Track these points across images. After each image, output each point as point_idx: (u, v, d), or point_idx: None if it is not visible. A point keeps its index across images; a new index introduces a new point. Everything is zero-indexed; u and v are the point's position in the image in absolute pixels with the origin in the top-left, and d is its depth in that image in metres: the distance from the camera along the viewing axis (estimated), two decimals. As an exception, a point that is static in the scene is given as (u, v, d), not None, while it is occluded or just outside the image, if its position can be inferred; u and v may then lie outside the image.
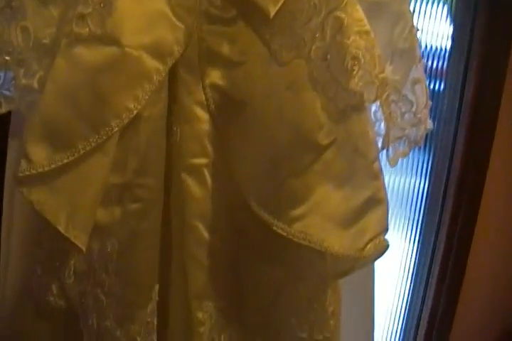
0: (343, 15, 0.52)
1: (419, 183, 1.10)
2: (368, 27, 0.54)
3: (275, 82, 0.54)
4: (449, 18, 1.09)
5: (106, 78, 0.52)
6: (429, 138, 1.07)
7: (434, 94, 1.09)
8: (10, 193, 0.62)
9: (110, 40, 0.52)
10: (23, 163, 0.52)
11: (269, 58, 0.54)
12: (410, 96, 0.60)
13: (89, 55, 0.52)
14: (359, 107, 0.54)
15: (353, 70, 0.52)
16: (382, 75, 0.54)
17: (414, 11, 1.07)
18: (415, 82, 0.60)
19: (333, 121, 0.54)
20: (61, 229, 0.53)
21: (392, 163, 0.60)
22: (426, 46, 1.08)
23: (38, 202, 0.53)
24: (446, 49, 1.09)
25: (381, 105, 0.57)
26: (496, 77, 1.04)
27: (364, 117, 0.57)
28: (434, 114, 1.10)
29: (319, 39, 0.53)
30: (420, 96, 0.60)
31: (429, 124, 0.62)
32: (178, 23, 0.54)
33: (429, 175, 1.09)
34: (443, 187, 1.06)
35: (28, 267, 0.61)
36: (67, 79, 0.52)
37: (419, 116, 0.60)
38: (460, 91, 1.07)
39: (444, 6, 1.10)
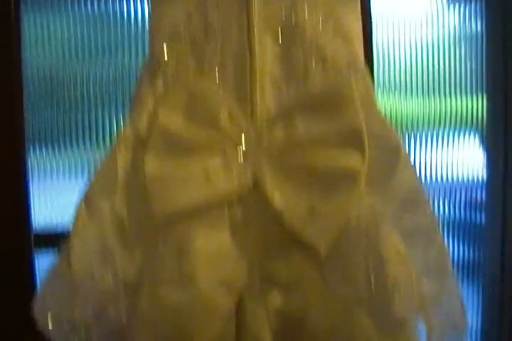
0: (384, 253, 0.67)
1: (472, 320, 1.23)
2: (405, 256, 0.68)
3: (329, 304, 0.69)
4: (481, 148, 1.25)
5: (185, 316, 0.68)
6: (476, 271, 1.20)
7: (476, 227, 1.23)
8: None
9: (187, 281, 0.69)
10: None
11: (323, 285, 0.69)
12: (446, 304, 0.72)
13: (169, 295, 0.69)
14: (403, 324, 0.69)
15: (395, 296, 0.66)
16: (420, 294, 0.69)
17: (448, 143, 1.24)
18: (450, 293, 0.73)
19: (382, 335, 0.69)
20: None
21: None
22: (463, 177, 1.24)
23: None
24: (483, 179, 1.24)
25: (421, 316, 0.72)
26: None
27: (408, 330, 0.72)
28: (478, 247, 1.23)
29: (364, 268, 0.68)
30: (455, 302, 0.73)
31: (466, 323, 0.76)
32: (242, 259, 0.70)
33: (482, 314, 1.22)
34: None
35: None
36: (151, 317, 0.68)
37: (456, 321, 0.73)
38: (502, 222, 1.20)
39: (475, 135, 1.26)
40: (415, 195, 0.71)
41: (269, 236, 0.70)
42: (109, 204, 0.70)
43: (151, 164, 0.67)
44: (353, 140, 0.66)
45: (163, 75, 0.70)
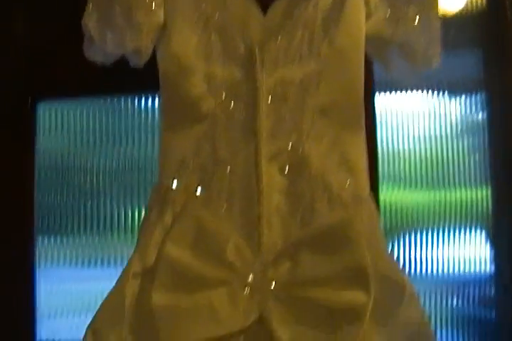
0: None
1: None
2: None
3: None
4: (488, 243, 1.25)
5: None
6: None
7: (487, 323, 1.22)
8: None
9: None
10: None
11: None
12: None
13: None
14: None
15: None
16: None
17: (454, 237, 1.25)
18: None
19: None
20: None
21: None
22: (470, 273, 1.24)
23: None
24: (491, 274, 1.24)
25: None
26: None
27: None
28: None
29: None
30: None
31: None
32: None
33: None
34: None
35: None
36: None
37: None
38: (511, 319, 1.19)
39: (481, 228, 1.27)
40: (420, 332, 0.72)
41: None
42: (116, 335, 0.71)
43: (158, 297, 0.69)
44: (358, 278, 0.68)
45: (172, 205, 0.73)
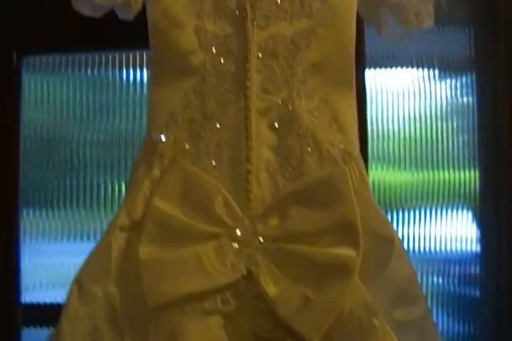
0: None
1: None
2: None
3: None
4: (475, 223, 1.26)
5: None
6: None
7: (471, 302, 1.23)
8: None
9: None
10: None
11: None
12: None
13: None
14: None
15: None
16: None
17: (441, 216, 1.26)
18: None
19: None
20: None
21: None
22: (456, 251, 1.25)
23: None
24: (477, 253, 1.25)
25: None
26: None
27: None
28: (472, 321, 1.23)
29: None
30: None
31: None
32: None
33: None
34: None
35: None
36: None
37: None
38: (496, 297, 1.21)
39: (468, 208, 1.28)
40: (408, 288, 0.72)
41: (262, 324, 0.70)
42: (102, 288, 0.71)
43: (145, 251, 0.68)
44: (347, 233, 0.68)
45: (160, 159, 0.72)
